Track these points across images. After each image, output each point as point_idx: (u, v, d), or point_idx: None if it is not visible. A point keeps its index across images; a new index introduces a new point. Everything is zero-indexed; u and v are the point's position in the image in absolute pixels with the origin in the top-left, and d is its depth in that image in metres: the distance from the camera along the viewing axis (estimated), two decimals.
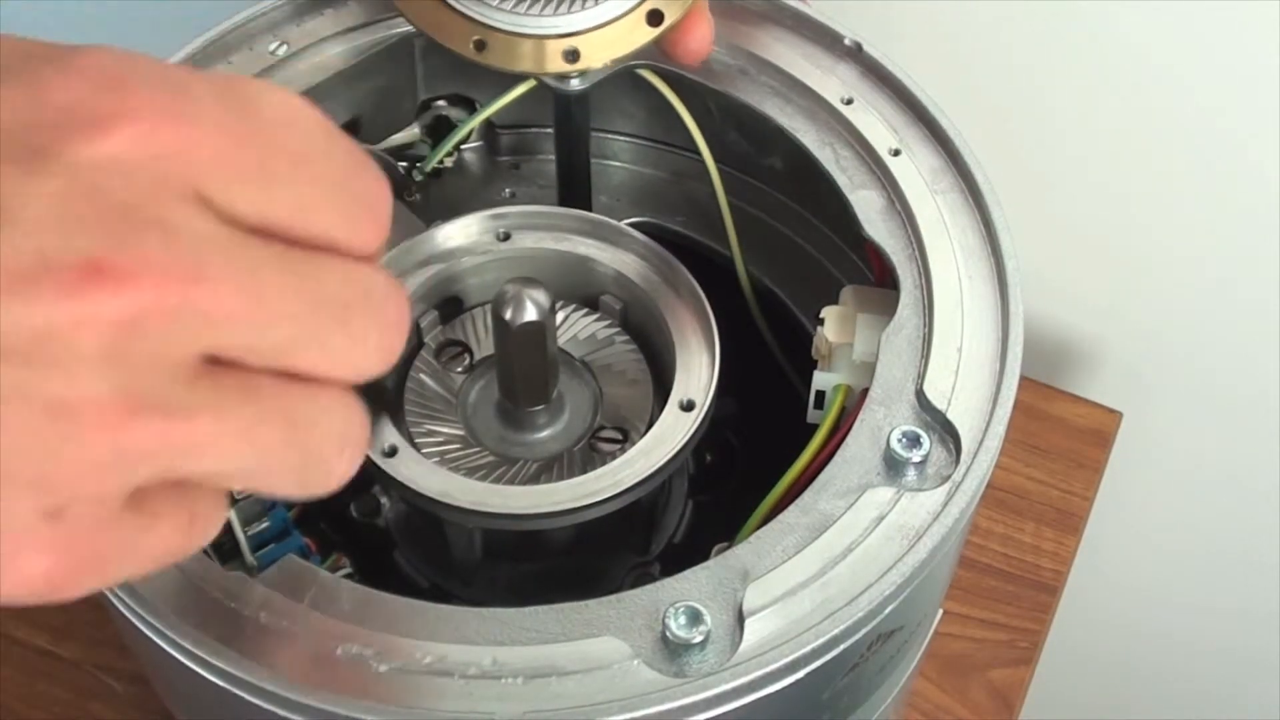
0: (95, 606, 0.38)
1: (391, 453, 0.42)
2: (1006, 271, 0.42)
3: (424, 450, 0.44)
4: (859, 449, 0.39)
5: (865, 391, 0.41)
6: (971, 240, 0.44)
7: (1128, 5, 0.71)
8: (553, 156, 0.53)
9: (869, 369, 0.42)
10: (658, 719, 0.33)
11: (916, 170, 0.46)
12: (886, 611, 0.36)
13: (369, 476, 0.43)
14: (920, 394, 0.40)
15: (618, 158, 0.57)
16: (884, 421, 0.40)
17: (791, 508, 0.38)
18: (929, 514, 0.37)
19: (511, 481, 0.44)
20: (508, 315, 0.41)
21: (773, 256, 0.53)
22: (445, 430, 0.45)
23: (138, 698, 0.64)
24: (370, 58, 0.50)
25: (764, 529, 0.37)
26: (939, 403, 0.39)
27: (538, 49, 0.43)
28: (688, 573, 0.36)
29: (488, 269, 0.48)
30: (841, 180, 0.46)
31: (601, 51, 0.43)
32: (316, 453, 0.25)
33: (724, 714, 0.34)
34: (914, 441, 0.39)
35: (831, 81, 0.48)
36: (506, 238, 0.48)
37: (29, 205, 0.21)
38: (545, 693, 0.34)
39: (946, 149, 0.46)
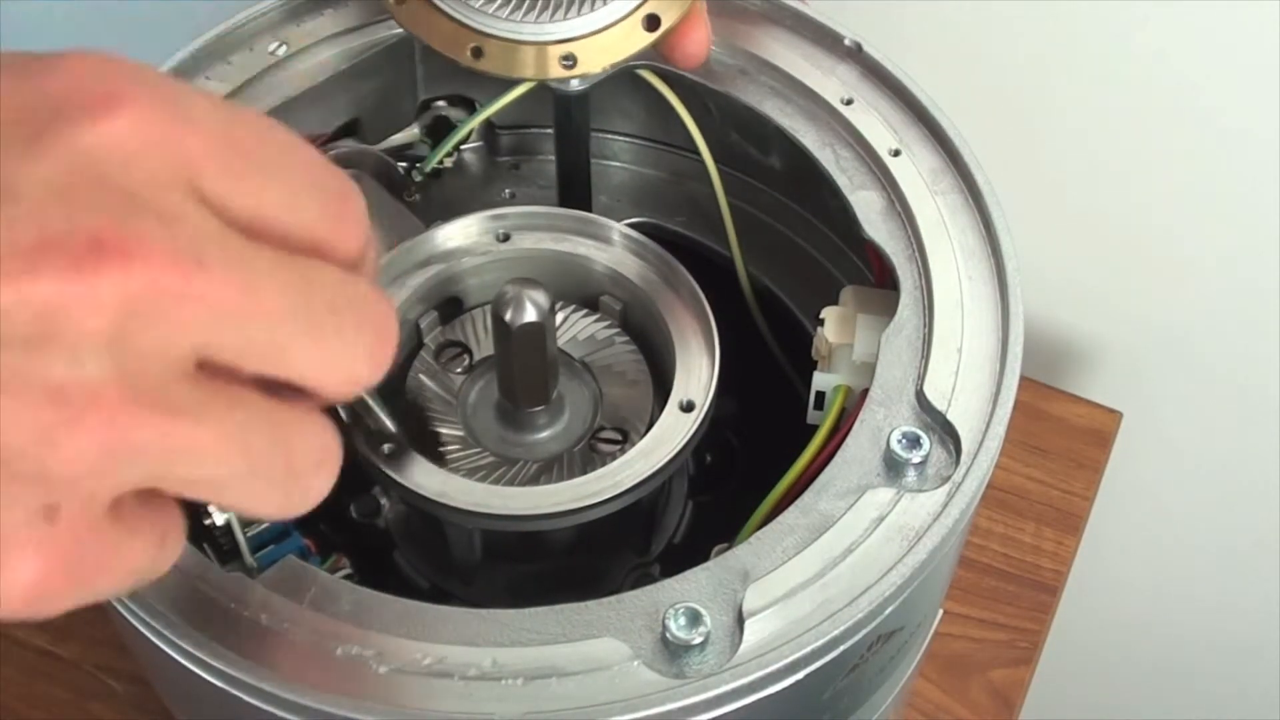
0: (95, 606, 0.38)
1: (391, 453, 0.42)
2: (1006, 272, 0.42)
3: (424, 450, 0.44)
4: (859, 450, 0.39)
5: (865, 392, 0.41)
6: (971, 240, 0.44)
7: (1128, 5, 0.71)
8: (553, 156, 0.53)
9: (869, 369, 0.41)
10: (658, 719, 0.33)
11: (916, 171, 0.46)
12: (887, 612, 0.36)
13: (369, 477, 0.43)
14: (920, 394, 0.40)
15: (618, 158, 0.57)
16: (884, 422, 0.40)
17: (791, 508, 0.38)
18: (929, 515, 0.37)
19: (511, 482, 0.44)
20: (507, 316, 0.41)
21: (773, 256, 0.53)
22: (445, 430, 0.45)
23: (138, 698, 0.64)
24: (370, 58, 0.50)
25: (764, 530, 0.37)
26: (939, 403, 0.39)
27: (536, 55, 0.43)
28: (688, 574, 0.36)
29: (487, 269, 0.48)
30: (841, 181, 0.46)
31: (599, 57, 0.43)
32: (299, 466, 0.25)
33: (724, 715, 0.34)
34: (914, 442, 0.39)
35: (831, 82, 0.48)
36: (506, 238, 0.48)
37: (30, 185, 0.21)
38: (545, 694, 0.34)
39: (946, 149, 0.46)
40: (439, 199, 0.55)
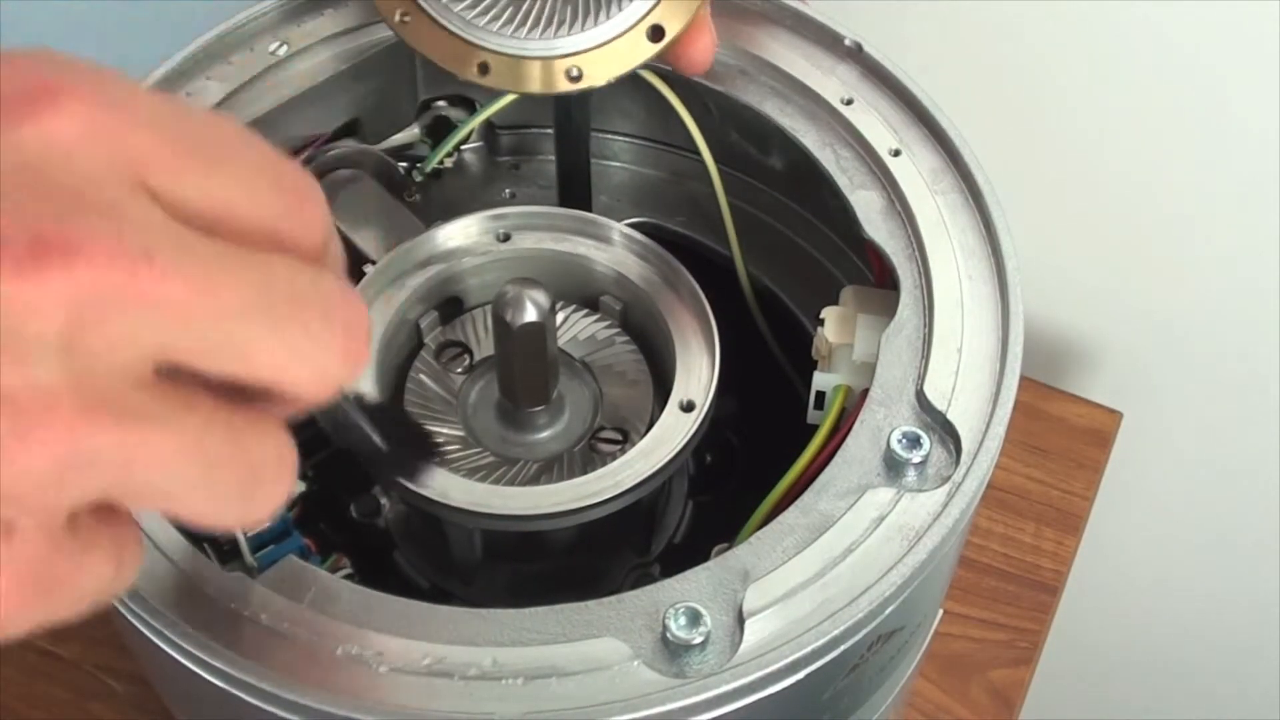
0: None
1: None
2: (1006, 271, 0.42)
3: None
4: (859, 450, 0.39)
5: (865, 392, 0.41)
6: (971, 240, 0.44)
7: (1128, 5, 0.71)
8: (553, 157, 0.53)
9: (869, 369, 0.41)
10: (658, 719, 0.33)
11: (916, 170, 0.46)
12: (887, 612, 0.36)
13: (369, 477, 0.43)
14: (920, 394, 0.40)
15: (618, 158, 0.57)
16: (884, 422, 0.40)
17: (792, 508, 0.38)
18: (929, 514, 0.37)
19: (512, 482, 0.44)
20: (508, 316, 0.41)
21: (773, 256, 0.53)
22: (445, 431, 0.45)
23: (138, 698, 0.64)
24: (370, 58, 0.50)
25: (764, 530, 0.37)
26: (939, 403, 0.39)
27: (541, 70, 0.43)
28: (688, 573, 0.36)
29: (488, 270, 0.48)
30: (842, 181, 0.46)
31: (604, 69, 0.44)
32: (258, 473, 0.23)
33: (724, 715, 0.34)
34: (914, 442, 0.39)
35: (831, 82, 0.48)
36: (506, 238, 0.48)
37: None
38: (545, 693, 0.34)
39: (946, 149, 0.46)
40: (439, 199, 0.55)
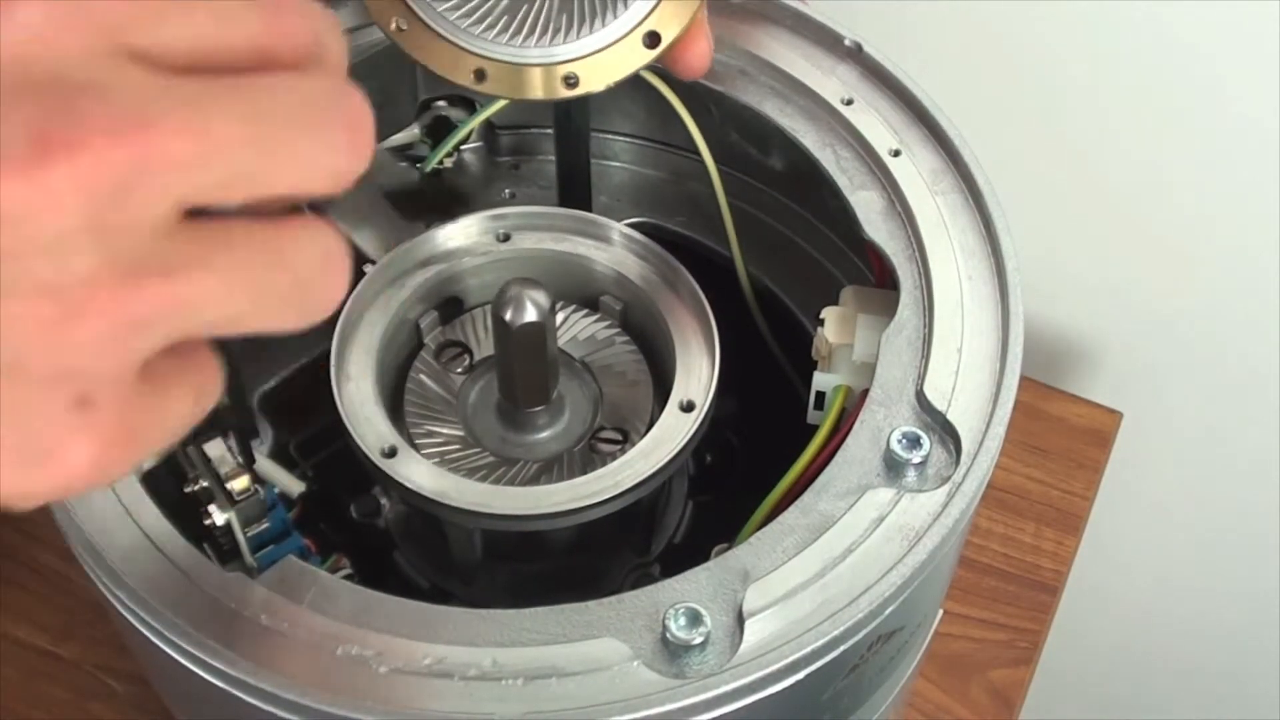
0: (95, 606, 0.38)
1: (391, 453, 0.42)
2: (1006, 272, 0.42)
3: (424, 451, 0.44)
4: (859, 450, 0.39)
5: (865, 392, 0.41)
6: (971, 241, 0.44)
7: (1128, 5, 0.71)
8: (553, 156, 0.53)
9: (869, 369, 0.41)
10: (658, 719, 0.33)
11: (916, 171, 0.46)
12: (887, 612, 0.36)
13: (369, 477, 0.43)
14: (920, 394, 0.40)
15: (618, 158, 0.57)
16: (884, 422, 0.40)
17: (792, 509, 0.38)
18: (929, 515, 0.37)
19: (511, 482, 0.44)
20: (508, 316, 0.41)
21: (773, 256, 0.53)
22: (445, 431, 0.45)
23: (138, 698, 0.64)
24: (370, 58, 0.50)
25: (764, 530, 0.37)
26: (939, 403, 0.39)
27: (537, 77, 0.44)
28: (688, 574, 0.36)
29: (488, 270, 0.48)
30: (842, 181, 0.46)
31: (601, 75, 0.44)
32: (304, 276, 0.25)
33: (724, 715, 0.34)
34: (914, 442, 0.39)
35: (831, 82, 0.48)
36: (506, 238, 0.48)
37: None
38: (545, 694, 0.34)
39: (946, 149, 0.46)
40: (439, 199, 0.55)
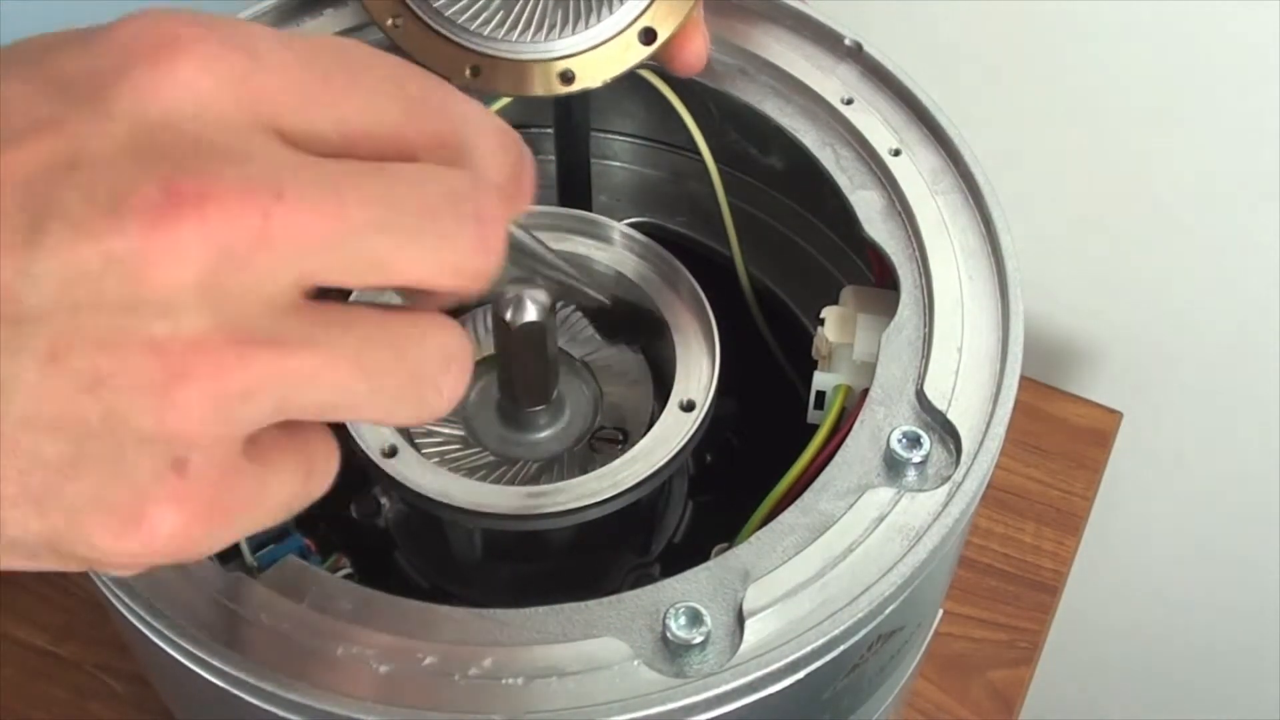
0: (95, 606, 0.38)
1: (391, 453, 0.42)
2: (1006, 271, 0.42)
3: (424, 450, 0.44)
4: (859, 449, 0.39)
5: (865, 392, 0.41)
6: (971, 240, 0.44)
7: (1128, 6, 0.71)
8: (553, 157, 0.53)
9: (869, 369, 0.41)
10: (658, 719, 0.33)
11: (917, 170, 0.46)
12: (887, 612, 0.36)
13: (369, 477, 0.43)
14: (920, 394, 0.40)
15: (618, 158, 0.57)
16: (884, 422, 0.40)
17: (792, 508, 0.38)
18: (929, 514, 0.37)
19: (511, 482, 0.44)
20: (508, 316, 0.41)
21: (773, 256, 0.53)
22: (445, 430, 0.45)
23: (138, 698, 0.64)
24: None
25: (764, 529, 0.37)
26: (939, 403, 0.39)
27: (533, 73, 0.44)
28: (688, 573, 0.36)
29: None
30: (842, 180, 0.46)
31: (596, 72, 0.44)
32: (422, 372, 0.24)
33: (724, 714, 0.34)
34: (914, 442, 0.39)
35: (831, 81, 0.48)
36: None
37: (101, 145, 0.21)
38: (545, 693, 0.33)
39: (946, 149, 0.46)
40: None
